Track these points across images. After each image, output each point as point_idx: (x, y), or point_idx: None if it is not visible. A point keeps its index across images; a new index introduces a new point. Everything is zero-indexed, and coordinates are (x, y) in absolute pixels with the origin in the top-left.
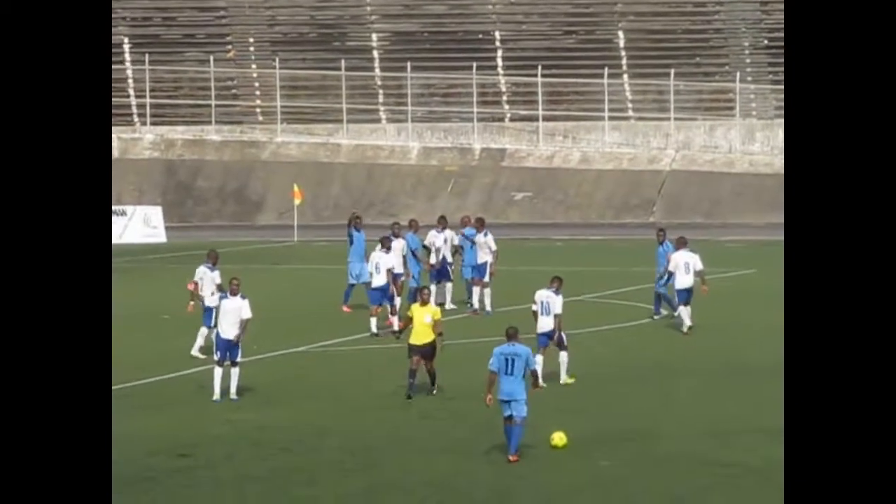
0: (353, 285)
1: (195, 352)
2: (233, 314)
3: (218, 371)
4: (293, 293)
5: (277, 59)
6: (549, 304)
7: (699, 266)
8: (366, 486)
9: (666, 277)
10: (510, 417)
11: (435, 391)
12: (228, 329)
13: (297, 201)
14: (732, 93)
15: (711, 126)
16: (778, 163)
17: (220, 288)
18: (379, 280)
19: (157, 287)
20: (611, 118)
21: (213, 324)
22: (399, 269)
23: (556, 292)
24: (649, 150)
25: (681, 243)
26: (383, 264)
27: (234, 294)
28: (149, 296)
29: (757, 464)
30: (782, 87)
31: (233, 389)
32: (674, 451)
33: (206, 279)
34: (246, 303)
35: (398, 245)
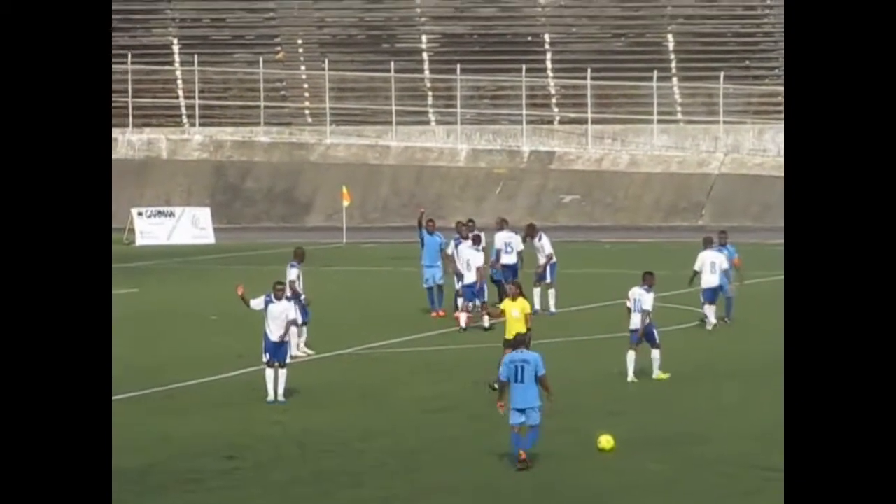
0: (430, 289)
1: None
2: (280, 317)
3: (269, 372)
4: (341, 295)
5: (326, 61)
6: (640, 301)
7: (725, 265)
8: (410, 488)
9: (692, 276)
10: (520, 425)
11: None
12: (276, 332)
13: (345, 203)
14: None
15: (760, 129)
16: None
17: (291, 287)
18: (470, 277)
19: (206, 288)
20: (660, 121)
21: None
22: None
23: (648, 289)
24: (698, 153)
25: (707, 242)
26: (474, 262)
27: (279, 298)
28: (197, 296)
29: None
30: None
31: (280, 391)
32: (721, 455)
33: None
34: (292, 305)
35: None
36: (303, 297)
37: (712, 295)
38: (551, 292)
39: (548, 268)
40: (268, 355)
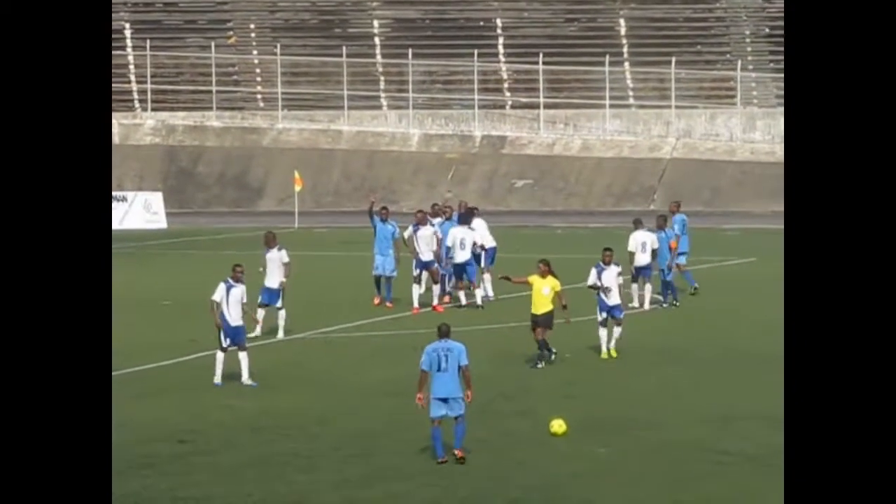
0: (378, 277)
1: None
2: (239, 301)
3: (221, 356)
4: (293, 279)
5: (279, 46)
6: (647, 243)
7: (656, 245)
8: (364, 472)
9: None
10: (441, 418)
11: (553, 357)
12: (235, 316)
13: (297, 188)
14: (733, 81)
15: (712, 114)
16: (779, 151)
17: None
18: (463, 255)
19: (158, 273)
20: (612, 106)
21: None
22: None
23: (657, 231)
24: (650, 138)
25: (637, 223)
26: (469, 240)
27: (238, 281)
28: (149, 282)
29: (755, 451)
30: (783, 75)
31: (245, 374)
32: (672, 439)
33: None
34: (244, 288)
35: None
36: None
37: (641, 273)
38: (486, 277)
39: (482, 253)
40: (228, 340)
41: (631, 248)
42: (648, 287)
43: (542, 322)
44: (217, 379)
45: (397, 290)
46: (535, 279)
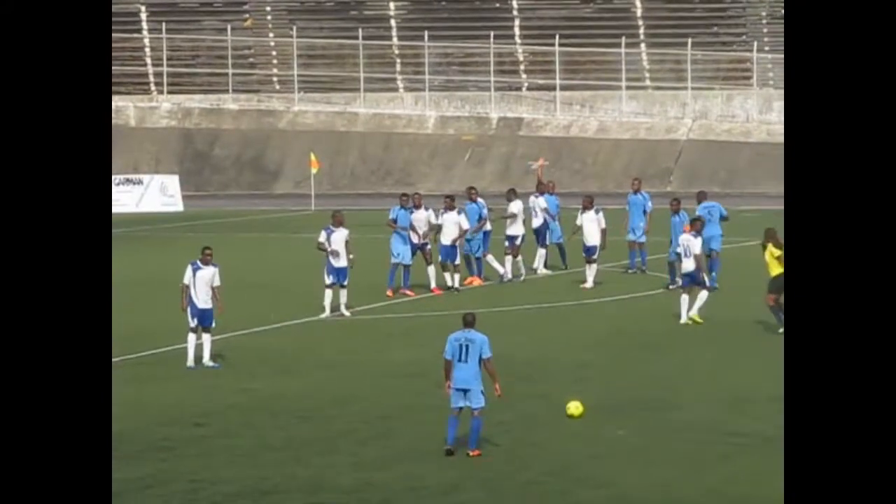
0: (396, 265)
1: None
2: (207, 283)
3: (192, 338)
4: (310, 262)
5: (295, 28)
6: (689, 247)
7: (604, 224)
8: (382, 454)
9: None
10: (461, 409)
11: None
12: (203, 297)
13: (313, 170)
14: (749, 62)
15: (728, 95)
16: None
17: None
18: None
19: (174, 256)
20: (628, 87)
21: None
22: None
23: (696, 235)
24: (666, 120)
25: (587, 203)
26: (464, 225)
27: (206, 264)
28: (165, 265)
29: (772, 433)
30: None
31: (206, 356)
32: (690, 420)
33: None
34: (217, 271)
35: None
36: (350, 257)
37: (594, 252)
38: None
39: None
40: (195, 321)
41: (586, 230)
42: (594, 267)
43: (773, 288)
44: (190, 362)
45: (413, 276)
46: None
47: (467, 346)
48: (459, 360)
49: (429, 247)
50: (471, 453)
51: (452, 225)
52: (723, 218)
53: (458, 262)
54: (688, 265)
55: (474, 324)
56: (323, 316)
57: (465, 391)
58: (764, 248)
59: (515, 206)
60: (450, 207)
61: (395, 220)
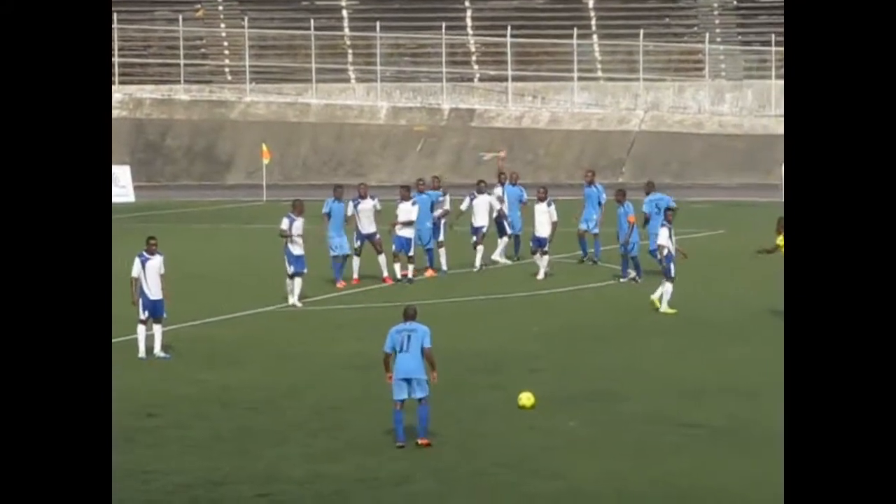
0: (335, 257)
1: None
2: (157, 272)
3: (142, 329)
4: (262, 252)
5: (246, 19)
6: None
7: (555, 217)
8: (333, 446)
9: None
10: (404, 401)
11: None
12: (154, 289)
13: (265, 161)
14: (701, 53)
15: (680, 87)
16: (747, 123)
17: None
18: (410, 231)
19: (125, 247)
20: (580, 79)
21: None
22: (372, 227)
23: (665, 225)
24: (618, 111)
25: (481, 188)
26: (405, 214)
27: (152, 254)
28: (116, 255)
29: (722, 423)
30: (751, 47)
31: (157, 347)
32: (641, 412)
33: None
34: (163, 259)
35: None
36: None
37: (544, 244)
38: (443, 251)
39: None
40: (146, 313)
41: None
42: (546, 259)
43: (405, 319)
44: (142, 353)
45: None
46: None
47: (409, 336)
48: (401, 351)
49: (378, 237)
50: (420, 442)
51: (403, 215)
52: (669, 209)
53: (411, 252)
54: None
55: (415, 317)
56: (292, 302)
57: (409, 380)
58: (777, 235)
59: (483, 199)
60: (405, 198)
61: (328, 214)
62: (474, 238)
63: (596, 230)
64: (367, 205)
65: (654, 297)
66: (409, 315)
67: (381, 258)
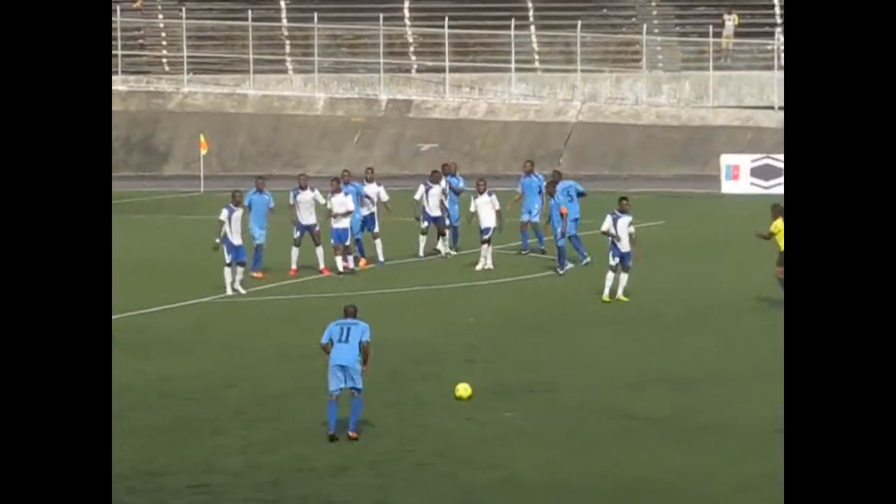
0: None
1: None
2: None
3: None
4: (199, 243)
5: (184, 9)
6: (619, 229)
7: (497, 206)
8: (270, 436)
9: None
10: (339, 393)
11: None
12: None
13: (203, 151)
14: (639, 45)
15: (618, 78)
16: (684, 115)
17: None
18: (346, 222)
19: None
20: (517, 70)
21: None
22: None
23: (620, 216)
24: (556, 102)
25: (481, 188)
26: (341, 205)
27: None
28: None
29: (664, 414)
30: (689, 38)
31: None
32: (580, 402)
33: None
34: None
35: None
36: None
37: (490, 234)
38: (378, 241)
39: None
40: None
41: (472, 209)
42: (489, 248)
43: (782, 261)
44: None
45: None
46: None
47: (349, 329)
48: (340, 341)
49: (317, 228)
50: (350, 435)
51: (340, 206)
52: (580, 195)
53: (348, 242)
54: (623, 245)
55: (356, 314)
56: (231, 291)
57: (344, 368)
58: (772, 222)
59: (484, 199)
60: (336, 190)
61: (248, 206)
62: (483, 236)
63: (536, 219)
64: (307, 196)
65: (620, 294)
66: (350, 313)
67: (319, 250)
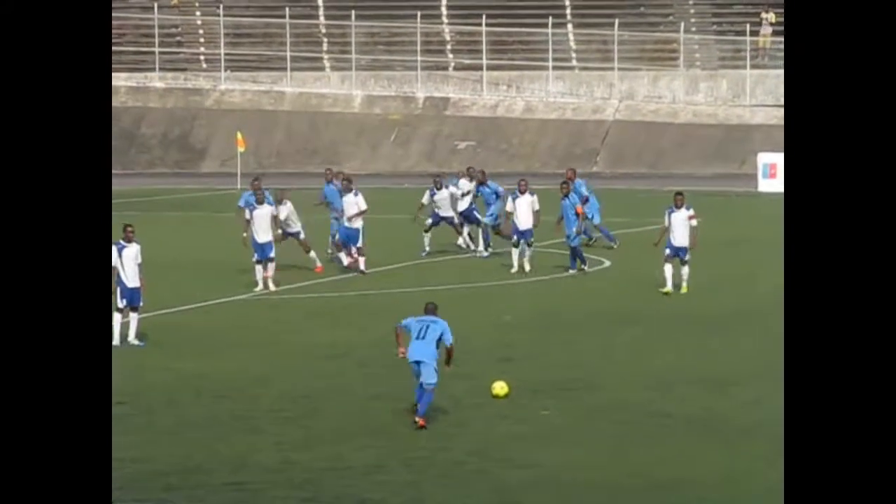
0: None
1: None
2: (134, 261)
3: (118, 317)
4: (235, 240)
5: (222, 7)
6: (678, 223)
7: (537, 206)
8: (304, 434)
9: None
10: (421, 382)
11: None
12: (132, 276)
13: (240, 149)
14: (676, 43)
15: (655, 76)
16: (721, 113)
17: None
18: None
19: None
20: (555, 68)
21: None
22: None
23: (681, 208)
24: (593, 100)
25: (522, 188)
26: (361, 207)
27: (129, 241)
28: None
29: (696, 414)
30: (726, 37)
31: (132, 335)
32: (615, 401)
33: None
34: (139, 248)
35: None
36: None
37: (528, 235)
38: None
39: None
40: (124, 301)
41: (510, 209)
42: (517, 251)
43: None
44: (115, 341)
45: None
46: None
47: (428, 326)
48: (417, 338)
49: (303, 236)
50: (418, 422)
51: (351, 206)
52: (583, 199)
53: (360, 244)
54: (677, 239)
55: (436, 311)
56: (259, 289)
57: (419, 363)
58: None
59: (525, 199)
60: (347, 189)
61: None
62: (514, 238)
63: (576, 243)
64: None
65: (684, 286)
66: (430, 310)
67: (313, 253)
